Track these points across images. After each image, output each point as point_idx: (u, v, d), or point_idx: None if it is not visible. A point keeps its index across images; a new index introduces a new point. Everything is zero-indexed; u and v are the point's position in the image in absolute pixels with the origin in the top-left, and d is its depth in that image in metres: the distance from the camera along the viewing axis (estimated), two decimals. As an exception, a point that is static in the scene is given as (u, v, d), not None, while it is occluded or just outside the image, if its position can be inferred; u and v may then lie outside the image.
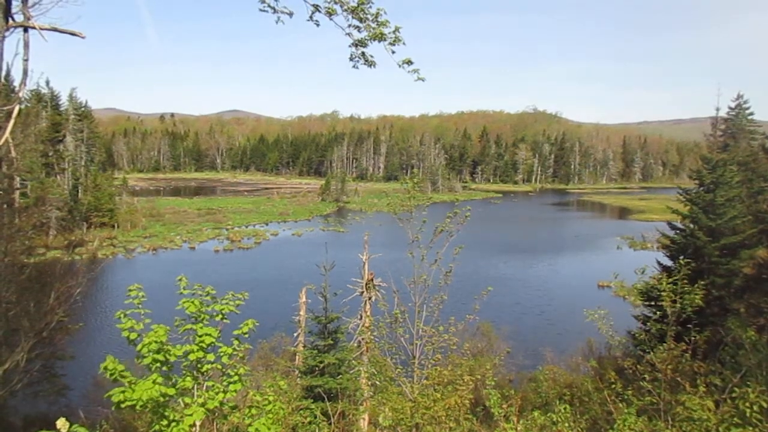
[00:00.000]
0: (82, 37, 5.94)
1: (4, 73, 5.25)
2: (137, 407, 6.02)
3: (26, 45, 5.44)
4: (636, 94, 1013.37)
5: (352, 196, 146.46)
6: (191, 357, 6.44)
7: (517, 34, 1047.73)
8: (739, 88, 77.57)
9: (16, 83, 9.07)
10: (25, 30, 5.41)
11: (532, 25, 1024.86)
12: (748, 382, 8.16)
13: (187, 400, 6.42)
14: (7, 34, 5.24)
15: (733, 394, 7.78)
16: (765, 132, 46.03)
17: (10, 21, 5.27)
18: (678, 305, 11.62)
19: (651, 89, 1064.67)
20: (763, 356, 10.71)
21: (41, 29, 5.47)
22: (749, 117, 47.82)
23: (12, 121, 5.29)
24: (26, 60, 5.45)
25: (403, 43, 6.28)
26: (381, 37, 6.25)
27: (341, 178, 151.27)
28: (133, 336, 6.35)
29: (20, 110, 5.37)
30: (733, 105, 47.47)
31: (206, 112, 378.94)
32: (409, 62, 6.42)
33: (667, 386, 9.04)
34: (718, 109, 29.04)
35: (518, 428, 8.73)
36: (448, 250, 13.26)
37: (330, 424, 12.14)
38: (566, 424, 8.87)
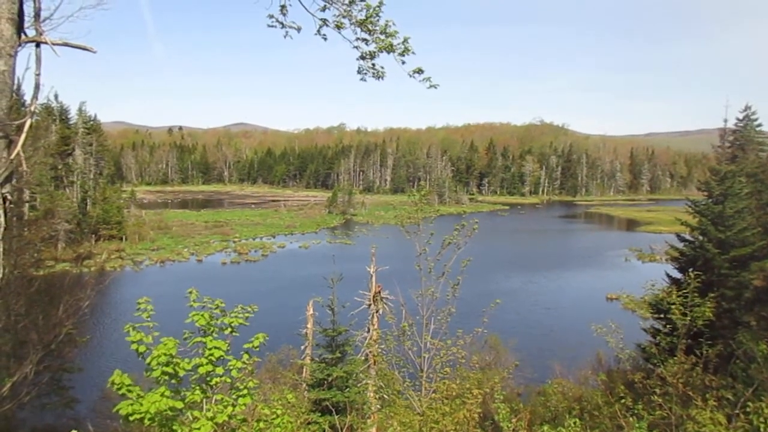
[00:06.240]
0: (93, 52, 5.98)
1: (15, 87, 5.29)
2: (145, 420, 5.99)
3: (38, 60, 5.48)
4: (643, 105, 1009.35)
5: (359, 209, 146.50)
6: (200, 370, 6.41)
7: (523, 45, 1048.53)
8: (748, 99, 77.37)
9: (28, 97, 9.16)
10: (37, 45, 5.45)
11: (537, 37, 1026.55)
12: (761, 396, 8.06)
13: (196, 413, 6.38)
14: (19, 49, 5.28)
15: (747, 409, 7.68)
16: (774, 143, 45.67)
17: (23, 36, 5.32)
18: (688, 318, 11.52)
19: (658, 100, 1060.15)
20: (776, 370, 10.58)
21: (53, 44, 5.52)
22: (758, 128, 47.37)
23: (24, 135, 5.33)
24: (38, 74, 5.49)
25: (413, 53, 6.24)
26: (390, 49, 6.22)
27: (348, 191, 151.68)
28: (142, 349, 6.33)
29: (31, 124, 5.43)
30: (741, 116, 47.01)
31: (214, 125, 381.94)
32: (420, 71, 6.36)
33: (678, 400, 8.95)
34: (726, 120, 29.01)
35: (528, 443, 8.64)
36: (456, 262, 13.22)
37: (338, 437, 12.07)
38: (576, 439, 8.78)
